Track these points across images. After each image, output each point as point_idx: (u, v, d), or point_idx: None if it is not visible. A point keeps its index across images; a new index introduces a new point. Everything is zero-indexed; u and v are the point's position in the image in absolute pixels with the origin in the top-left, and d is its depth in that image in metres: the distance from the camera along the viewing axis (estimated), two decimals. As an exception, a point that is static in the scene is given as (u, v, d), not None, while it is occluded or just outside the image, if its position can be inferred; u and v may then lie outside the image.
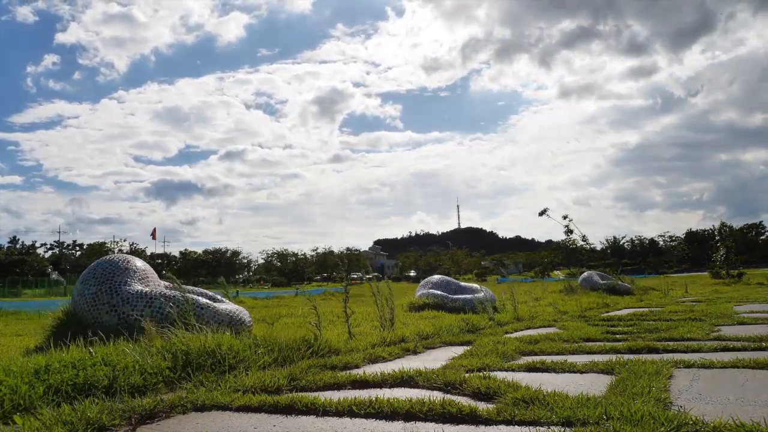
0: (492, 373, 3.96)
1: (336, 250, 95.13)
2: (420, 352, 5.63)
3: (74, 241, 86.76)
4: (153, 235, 33.93)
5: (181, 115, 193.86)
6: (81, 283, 6.42)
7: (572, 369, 4.21)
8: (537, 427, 2.70)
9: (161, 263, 74.50)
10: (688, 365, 4.27)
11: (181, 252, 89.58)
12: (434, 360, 5.03)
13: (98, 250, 74.61)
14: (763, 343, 5.17)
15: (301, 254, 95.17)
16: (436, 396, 3.26)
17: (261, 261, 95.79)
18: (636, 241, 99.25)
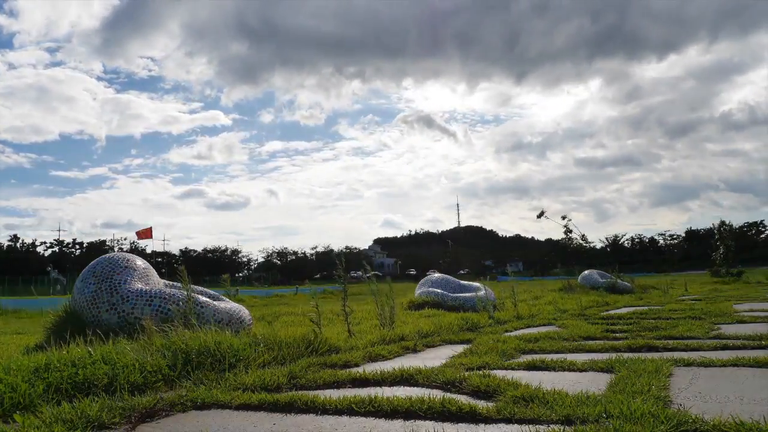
0: (492, 372, 3.96)
1: (335, 248, 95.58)
2: (420, 351, 5.63)
3: (74, 240, 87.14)
4: (148, 234, 33.58)
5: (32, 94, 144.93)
6: (81, 281, 6.42)
7: (572, 367, 4.21)
8: (537, 425, 2.70)
9: (161, 261, 74.54)
10: (688, 364, 4.28)
11: (181, 250, 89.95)
12: (434, 358, 5.03)
13: (98, 248, 74.83)
14: (763, 342, 5.18)
15: (301, 253, 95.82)
16: (436, 394, 3.26)
17: (261, 259, 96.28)
18: (636, 240, 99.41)
